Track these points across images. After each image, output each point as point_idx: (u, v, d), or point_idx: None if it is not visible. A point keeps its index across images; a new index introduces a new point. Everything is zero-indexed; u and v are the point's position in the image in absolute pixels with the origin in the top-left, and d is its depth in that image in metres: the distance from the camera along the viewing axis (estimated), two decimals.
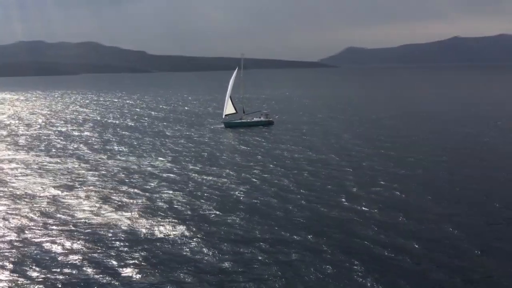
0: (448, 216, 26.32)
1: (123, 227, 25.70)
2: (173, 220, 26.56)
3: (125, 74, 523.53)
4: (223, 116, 68.48)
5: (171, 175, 37.61)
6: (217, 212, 27.92)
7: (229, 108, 68.35)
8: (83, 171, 39.44)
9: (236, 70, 70.58)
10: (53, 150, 50.07)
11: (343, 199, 29.84)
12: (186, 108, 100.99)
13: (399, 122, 67.30)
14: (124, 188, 33.71)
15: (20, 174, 38.67)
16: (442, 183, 33.49)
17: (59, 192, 32.79)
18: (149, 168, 40.12)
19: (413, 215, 26.54)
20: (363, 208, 28.03)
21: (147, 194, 32.11)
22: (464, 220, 25.78)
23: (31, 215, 27.95)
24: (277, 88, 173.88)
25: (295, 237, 23.81)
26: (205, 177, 36.46)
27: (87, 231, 25.25)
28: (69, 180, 36.31)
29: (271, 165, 40.24)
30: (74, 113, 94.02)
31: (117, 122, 76.55)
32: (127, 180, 36.00)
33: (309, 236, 23.82)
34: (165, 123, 73.05)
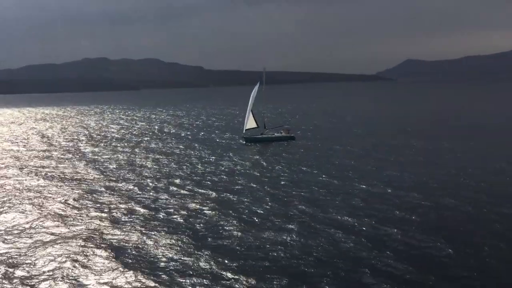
0: None
1: (140, 246, 28.73)
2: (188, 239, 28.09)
3: (182, 89, 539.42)
4: (244, 131, 71.08)
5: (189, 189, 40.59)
6: (235, 227, 29.41)
7: (250, 123, 70.70)
8: (85, 185, 43.29)
9: (258, 84, 72.76)
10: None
11: (362, 224, 29.18)
12: (218, 121, 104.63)
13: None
14: (137, 199, 37.08)
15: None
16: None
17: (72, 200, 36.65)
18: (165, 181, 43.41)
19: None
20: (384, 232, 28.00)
21: (161, 208, 35.19)
22: None
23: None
24: (312, 102, 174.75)
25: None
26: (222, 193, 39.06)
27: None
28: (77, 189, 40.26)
29: (283, 182, 41.12)
30: (107, 127, 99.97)
31: (151, 133, 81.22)
32: (140, 191, 39.44)
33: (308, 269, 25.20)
34: (193, 135, 76.72)
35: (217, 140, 72.58)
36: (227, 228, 29.02)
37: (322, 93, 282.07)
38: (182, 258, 24.58)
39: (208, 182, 41.81)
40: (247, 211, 32.66)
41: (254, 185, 40.24)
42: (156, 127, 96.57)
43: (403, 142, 62.21)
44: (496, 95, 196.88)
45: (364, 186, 38.17)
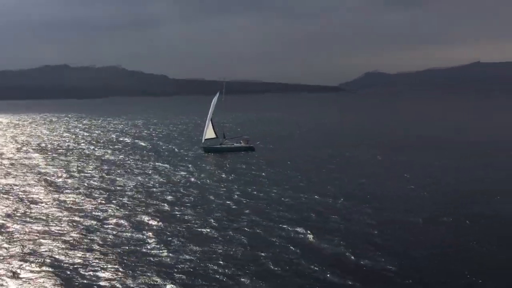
0: None
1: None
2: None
3: (145, 98, 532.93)
4: (203, 140, 70.03)
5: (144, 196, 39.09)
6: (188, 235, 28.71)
7: (209, 133, 69.80)
8: (38, 197, 41.26)
9: (217, 94, 72.14)
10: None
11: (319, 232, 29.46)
12: (178, 131, 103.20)
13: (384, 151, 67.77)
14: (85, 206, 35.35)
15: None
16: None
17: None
18: (119, 188, 41.76)
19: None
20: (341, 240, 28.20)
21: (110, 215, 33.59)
22: None
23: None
24: (276, 112, 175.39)
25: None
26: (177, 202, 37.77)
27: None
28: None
29: (237, 194, 40.58)
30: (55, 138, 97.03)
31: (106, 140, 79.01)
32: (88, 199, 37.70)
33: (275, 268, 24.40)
34: (151, 145, 75.05)
35: (175, 150, 71.19)
36: (173, 242, 27.86)
37: (286, 104, 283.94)
38: (121, 273, 23.30)
39: (159, 194, 40.50)
40: (196, 223, 31.65)
41: (207, 197, 39.24)
42: (113, 137, 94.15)
43: (360, 153, 62.50)
44: (453, 106, 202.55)
45: (317, 197, 37.75)
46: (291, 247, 26.70)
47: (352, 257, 25.14)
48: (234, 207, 35.87)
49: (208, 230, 30.20)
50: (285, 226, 30.56)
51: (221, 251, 26.40)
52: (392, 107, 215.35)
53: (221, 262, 24.71)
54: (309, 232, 29.18)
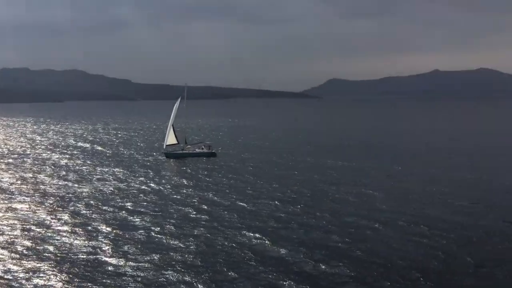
0: None
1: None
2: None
3: (107, 102, 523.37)
4: (164, 146, 69.28)
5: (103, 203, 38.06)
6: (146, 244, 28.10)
7: (170, 138, 69.13)
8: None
9: (179, 99, 71.61)
10: None
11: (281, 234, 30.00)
12: (139, 136, 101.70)
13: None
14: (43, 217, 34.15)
15: None
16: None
17: None
18: (78, 194, 40.59)
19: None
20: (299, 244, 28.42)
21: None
22: None
23: None
24: (239, 118, 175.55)
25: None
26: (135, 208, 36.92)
27: None
28: None
29: (198, 199, 40.54)
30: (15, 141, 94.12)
31: (57, 148, 76.96)
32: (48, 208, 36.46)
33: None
34: (110, 150, 73.58)
35: (136, 155, 70.06)
36: (129, 250, 27.31)
37: (251, 110, 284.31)
38: (76, 282, 22.63)
39: (117, 200, 39.73)
40: (154, 230, 31.19)
41: (166, 203, 38.81)
42: (72, 142, 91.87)
43: (322, 159, 63.15)
44: (413, 114, 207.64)
45: (277, 203, 37.86)
46: (250, 254, 26.62)
47: (310, 263, 25.24)
48: (193, 213, 35.54)
49: (166, 237, 29.79)
50: (243, 232, 30.50)
51: (178, 258, 26.07)
52: (355, 114, 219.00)
53: (178, 270, 24.39)
54: (266, 238, 29.18)
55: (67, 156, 69.88)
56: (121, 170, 55.70)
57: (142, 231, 31.13)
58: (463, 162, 58.99)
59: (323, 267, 24.70)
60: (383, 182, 46.63)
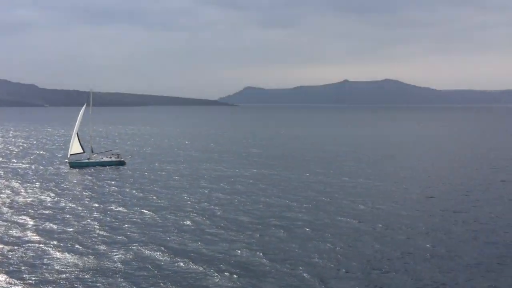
0: None
1: None
2: None
3: (12, 108, 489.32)
4: (68, 155, 65.58)
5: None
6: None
7: (75, 147, 65.66)
8: None
9: (85, 106, 68.62)
10: None
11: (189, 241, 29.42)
12: (42, 145, 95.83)
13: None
14: None
15: None
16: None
17: None
18: None
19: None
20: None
21: None
22: None
23: None
24: (151, 125, 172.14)
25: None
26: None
27: None
28: None
29: (113, 208, 39.05)
30: None
31: None
32: None
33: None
34: (6, 160, 68.29)
35: (36, 166, 65.44)
36: (20, 268, 25.20)
37: (163, 117, 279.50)
38: None
39: (10, 215, 36.70)
40: (48, 244, 29.24)
41: (61, 217, 36.50)
42: None
43: (237, 168, 63.19)
44: (327, 120, 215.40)
45: (182, 214, 37.04)
46: (149, 267, 25.57)
47: (216, 276, 24.71)
48: (93, 227, 33.67)
49: (58, 252, 27.91)
50: (141, 245, 29.33)
51: (72, 277, 24.39)
52: (270, 121, 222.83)
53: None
54: (169, 251, 28.27)
55: None
56: (17, 182, 51.77)
57: (35, 245, 28.93)
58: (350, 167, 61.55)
59: (225, 280, 24.27)
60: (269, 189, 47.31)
